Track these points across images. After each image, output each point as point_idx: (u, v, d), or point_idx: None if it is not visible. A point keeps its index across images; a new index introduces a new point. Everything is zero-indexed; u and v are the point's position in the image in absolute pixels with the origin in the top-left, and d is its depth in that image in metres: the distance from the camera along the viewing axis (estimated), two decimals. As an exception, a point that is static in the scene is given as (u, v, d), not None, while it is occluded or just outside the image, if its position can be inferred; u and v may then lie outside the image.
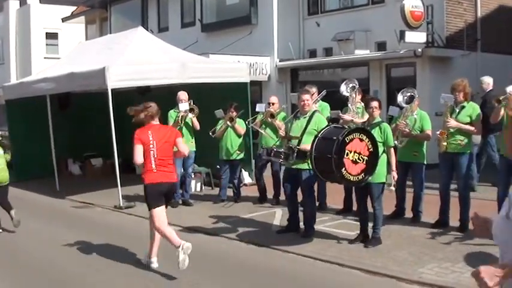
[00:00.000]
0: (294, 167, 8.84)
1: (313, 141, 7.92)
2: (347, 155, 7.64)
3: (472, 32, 18.19)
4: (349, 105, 10.22)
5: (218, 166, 12.85)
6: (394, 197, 9.88)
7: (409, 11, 16.30)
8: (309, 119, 8.91)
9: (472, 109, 8.86)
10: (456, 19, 17.74)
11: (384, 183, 8.38)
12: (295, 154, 8.57)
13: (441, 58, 16.94)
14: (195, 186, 13.52)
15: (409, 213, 9.92)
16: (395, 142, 8.98)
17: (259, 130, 11.29)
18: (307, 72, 20.58)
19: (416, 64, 17.02)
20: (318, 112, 9.30)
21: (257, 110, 11.87)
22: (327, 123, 9.11)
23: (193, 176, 12.78)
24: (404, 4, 16.19)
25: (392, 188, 8.54)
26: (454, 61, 17.14)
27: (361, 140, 7.80)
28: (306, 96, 9.10)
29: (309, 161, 8.17)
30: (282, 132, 9.36)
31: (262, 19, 20.97)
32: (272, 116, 11.21)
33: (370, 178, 7.97)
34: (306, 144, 8.47)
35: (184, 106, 11.82)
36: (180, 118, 11.89)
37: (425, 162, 9.66)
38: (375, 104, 8.55)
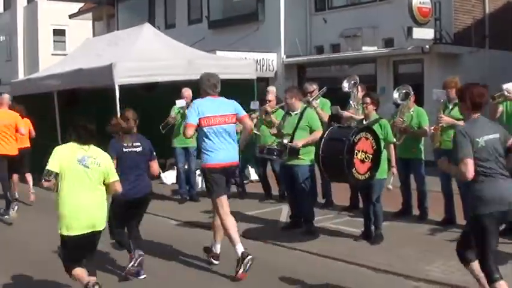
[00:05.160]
0: (288, 163, 8.92)
1: (319, 143, 7.93)
2: (356, 154, 7.66)
3: (480, 29, 18.11)
4: (351, 101, 10.21)
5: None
6: (400, 195, 9.85)
7: (417, 7, 16.24)
8: (300, 115, 9.04)
9: None
10: (464, 15, 17.66)
11: (384, 179, 8.37)
12: (287, 151, 8.69)
13: (449, 55, 16.87)
14: (201, 182, 13.49)
15: (416, 211, 9.88)
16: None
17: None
18: (314, 68, 20.55)
19: (424, 61, 16.98)
20: (308, 108, 9.45)
21: (251, 107, 11.80)
22: (318, 118, 9.21)
23: (197, 172, 12.77)
24: (412, 0, 16.13)
25: (390, 186, 8.53)
26: (462, 58, 17.07)
27: (367, 138, 7.82)
28: (286, 95, 9.33)
29: (317, 163, 8.16)
30: (273, 130, 9.53)
31: (269, 15, 20.95)
32: (266, 113, 11.19)
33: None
34: (298, 141, 8.79)
35: (180, 103, 11.86)
36: (176, 114, 11.98)
37: (423, 158, 9.65)
38: (367, 100, 8.59)
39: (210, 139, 7.29)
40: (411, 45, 16.67)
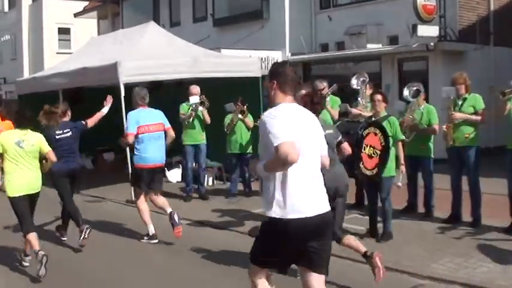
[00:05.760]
0: None
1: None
2: (364, 149, 7.65)
3: (485, 26, 18.08)
4: (359, 98, 10.20)
5: (228, 161, 12.83)
6: (406, 192, 9.84)
7: (422, 5, 16.22)
8: None
9: (475, 100, 8.84)
10: (469, 12, 17.63)
11: (393, 177, 8.34)
12: None
13: (454, 52, 16.85)
14: (207, 180, 13.53)
15: (421, 208, 9.88)
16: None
17: None
18: (319, 66, 20.53)
19: (428, 58, 16.95)
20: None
21: None
22: (329, 115, 9.18)
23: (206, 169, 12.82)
24: (417, -3, 16.12)
25: (399, 184, 8.46)
26: (466, 55, 17.04)
27: (375, 134, 7.81)
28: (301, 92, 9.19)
29: None
30: None
31: (274, 13, 20.94)
32: None
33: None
34: None
35: (194, 99, 11.89)
36: (191, 111, 11.97)
37: (432, 156, 9.62)
38: (378, 97, 8.53)
39: (143, 144, 8.75)
40: (416, 43, 16.63)
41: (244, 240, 8.94)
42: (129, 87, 12.48)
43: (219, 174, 14.43)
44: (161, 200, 8.96)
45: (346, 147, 6.95)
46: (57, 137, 8.70)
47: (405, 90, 9.64)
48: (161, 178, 9.36)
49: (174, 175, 14.66)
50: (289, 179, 4.25)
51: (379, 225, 8.50)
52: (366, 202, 9.68)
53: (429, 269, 7.03)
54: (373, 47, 18.04)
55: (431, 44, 16.22)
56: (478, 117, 8.75)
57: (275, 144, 4.09)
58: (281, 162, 4.09)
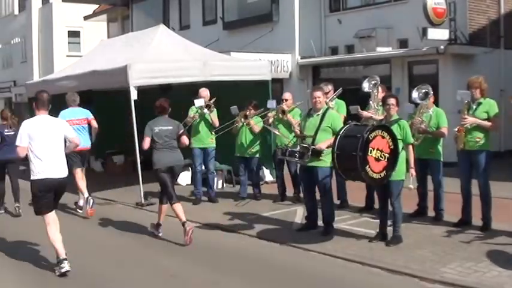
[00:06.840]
0: (309, 164, 8.83)
1: (335, 139, 7.89)
2: (370, 152, 7.60)
3: (495, 29, 18.03)
4: (371, 102, 10.18)
5: (237, 164, 12.82)
6: (416, 195, 9.81)
7: (432, 8, 16.20)
8: (322, 116, 8.90)
9: (489, 105, 8.73)
10: (479, 16, 17.58)
11: (402, 180, 8.30)
12: (310, 153, 8.60)
13: (464, 55, 16.80)
14: (216, 183, 13.52)
15: (431, 212, 9.85)
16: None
17: (273, 130, 11.25)
18: (329, 69, 20.52)
19: (438, 61, 16.91)
20: (330, 109, 9.34)
21: (268, 106, 11.83)
22: (340, 119, 9.13)
23: (215, 173, 12.79)
24: (427, 1, 16.08)
25: (411, 186, 8.40)
26: (477, 58, 16.99)
27: (383, 137, 7.76)
28: (317, 94, 9.06)
29: (332, 160, 8.12)
30: (296, 130, 9.38)
31: (284, 16, 20.95)
32: (283, 112, 11.21)
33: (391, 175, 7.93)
34: (321, 143, 8.65)
35: (199, 102, 11.87)
36: (195, 114, 11.96)
37: (442, 160, 9.58)
38: (392, 101, 8.48)
39: None
40: (426, 46, 16.61)
41: (253, 242, 8.96)
42: (138, 89, 12.55)
43: (229, 177, 14.43)
44: (83, 183, 11.42)
45: (183, 140, 9.28)
46: (5, 134, 11.60)
47: (414, 92, 9.59)
48: (85, 159, 12.14)
49: (184, 178, 14.66)
50: (37, 157, 7.37)
51: (389, 229, 8.48)
52: (376, 206, 9.67)
53: (439, 273, 6.99)
54: (383, 50, 18.02)
55: (441, 47, 16.18)
56: (489, 124, 8.66)
57: (16, 144, 7.52)
58: (19, 153, 7.52)
